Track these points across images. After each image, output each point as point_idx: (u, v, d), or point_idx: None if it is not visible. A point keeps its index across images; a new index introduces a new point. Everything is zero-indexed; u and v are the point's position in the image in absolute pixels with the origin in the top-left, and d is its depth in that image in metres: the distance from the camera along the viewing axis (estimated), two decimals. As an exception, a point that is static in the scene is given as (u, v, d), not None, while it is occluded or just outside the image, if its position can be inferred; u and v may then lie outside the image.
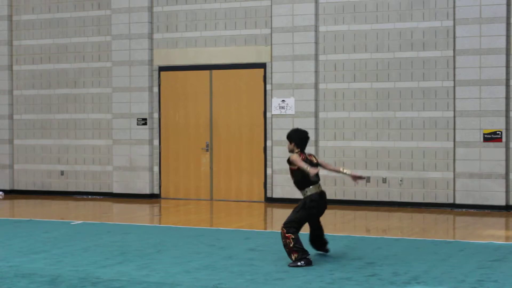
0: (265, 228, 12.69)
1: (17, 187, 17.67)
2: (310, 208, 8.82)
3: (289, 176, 14.92)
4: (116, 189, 16.70)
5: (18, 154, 17.65)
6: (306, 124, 15.08)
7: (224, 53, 15.94)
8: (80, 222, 12.71)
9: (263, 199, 15.63)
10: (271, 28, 15.49)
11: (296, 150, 8.94)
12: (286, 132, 14.72)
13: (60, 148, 17.22)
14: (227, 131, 15.96)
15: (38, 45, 17.39)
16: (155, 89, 16.43)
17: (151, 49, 16.41)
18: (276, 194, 15.41)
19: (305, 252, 8.70)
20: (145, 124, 16.36)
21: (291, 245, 8.66)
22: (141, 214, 14.25)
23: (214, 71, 16.03)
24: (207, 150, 16.06)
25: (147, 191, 16.40)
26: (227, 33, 15.92)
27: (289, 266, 8.65)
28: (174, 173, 16.32)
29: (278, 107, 15.37)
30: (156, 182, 16.45)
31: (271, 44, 15.50)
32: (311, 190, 8.85)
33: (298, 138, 8.94)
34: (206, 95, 16.09)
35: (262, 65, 15.64)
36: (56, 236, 11.09)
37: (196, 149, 16.16)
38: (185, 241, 10.61)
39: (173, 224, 12.70)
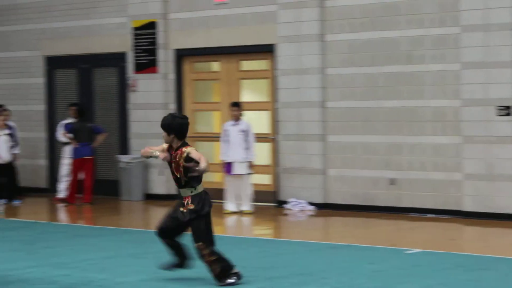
0: None
1: (331, 200, 18.07)
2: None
3: None
4: (468, 206, 16.56)
5: (333, 156, 18.06)
6: None
7: None
8: (418, 250, 12.85)
9: None
10: None
11: (179, 143, 10.22)
12: None
13: (389, 148, 17.38)
14: None
15: (357, 5, 17.68)
16: (523, 64, 16.11)
17: (520, 6, 16.09)
18: None
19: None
20: (509, 114, 16.07)
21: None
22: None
23: None
24: None
25: (513, 210, 16.11)
26: None
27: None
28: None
29: None
30: (527, 198, 16.10)
31: None
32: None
33: (178, 127, 10.16)
34: None
35: None
36: (385, 269, 11.34)
37: None
38: None
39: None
